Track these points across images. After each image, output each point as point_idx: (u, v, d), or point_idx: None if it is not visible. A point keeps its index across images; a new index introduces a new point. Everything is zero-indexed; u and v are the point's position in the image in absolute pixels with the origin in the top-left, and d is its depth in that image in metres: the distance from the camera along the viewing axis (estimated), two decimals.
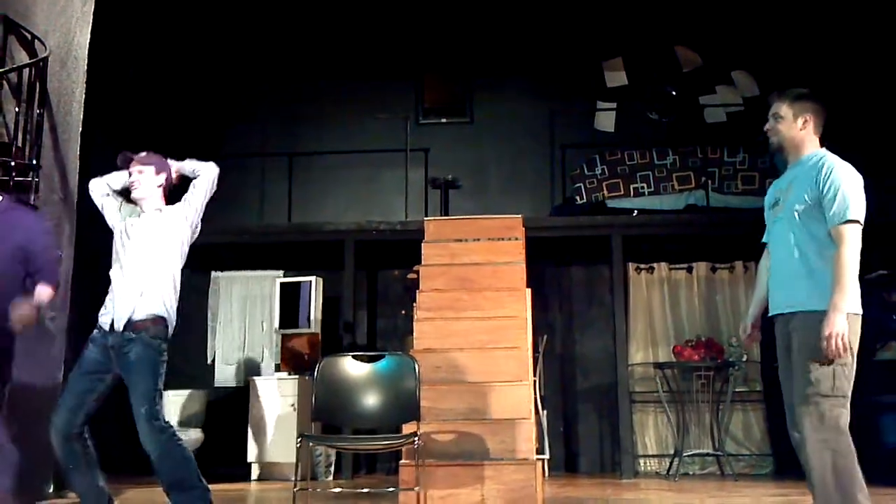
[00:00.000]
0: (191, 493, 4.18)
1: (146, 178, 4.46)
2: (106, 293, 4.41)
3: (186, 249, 4.51)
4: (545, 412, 7.90)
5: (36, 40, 6.84)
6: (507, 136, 9.90)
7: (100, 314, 4.34)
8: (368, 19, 9.89)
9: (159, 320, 4.22)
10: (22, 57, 6.84)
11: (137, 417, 4.06)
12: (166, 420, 4.17)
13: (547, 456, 7.69)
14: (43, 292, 4.26)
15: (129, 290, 4.24)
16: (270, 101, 10.01)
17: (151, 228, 4.39)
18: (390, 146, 9.43)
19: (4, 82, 6.77)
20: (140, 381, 4.11)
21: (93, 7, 6.94)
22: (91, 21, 6.92)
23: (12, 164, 6.42)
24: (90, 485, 4.33)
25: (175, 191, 4.72)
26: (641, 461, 8.73)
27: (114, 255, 4.41)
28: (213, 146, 9.82)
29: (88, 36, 6.85)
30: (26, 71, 6.67)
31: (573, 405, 9.12)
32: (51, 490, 6.42)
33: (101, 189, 4.55)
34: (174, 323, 4.34)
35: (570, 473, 8.70)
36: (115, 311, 4.24)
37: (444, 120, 10.22)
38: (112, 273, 4.37)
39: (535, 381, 6.97)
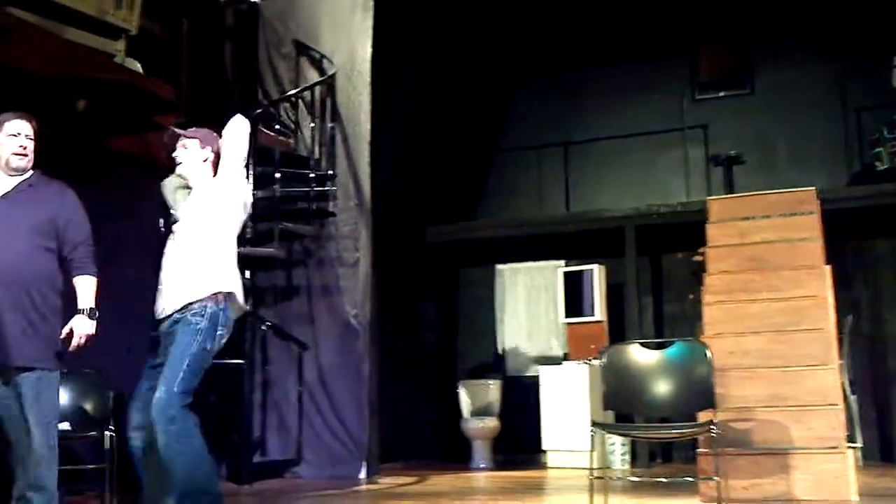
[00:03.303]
0: (197, 500, 3.67)
1: (190, 152, 4.12)
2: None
3: (237, 220, 4.06)
4: (854, 397, 7.33)
5: (324, 59, 7.36)
6: (793, 103, 9.28)
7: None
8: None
9: (207, 300, 3.82)
10: (312, 76, 7.41)
11: (154, 399, 3.66)
12: (185, 413, 3.70)
13: (859, 444, 7.12)
14: (88, 291, 3.93)
15: (175, 273, 3.92)
16: (542, 93, 10.08)
17: (196, 205, 4.04)
18: (666, 126, 9.18)
19: (300, 101, 7.35)
20: (168, 362, 3.74)
21: (371, 21, 7.35)
22: (371, 35, 7.33)
23: (312, 175, 6.96)
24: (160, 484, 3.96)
25: None
26: None
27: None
28: (489, 142, 10.08)
29: (370, 49, 7.26)
30: (318, 89, 7.20)
31: (885, 389, 8.39)
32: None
33: (165, 187, 4.24)
34: (225, 303, 3.88)
35: (886, 463, 8.01)
36: (162, 296, 3.93)
37: (722, 93, 9.77)
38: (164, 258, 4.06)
39: (840, 365, 6.48)
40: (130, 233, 6.33)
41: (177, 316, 3.82)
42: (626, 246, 8.47)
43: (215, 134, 4.19)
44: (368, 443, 6.97)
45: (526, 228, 9.18)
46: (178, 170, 4.12)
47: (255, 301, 6.95)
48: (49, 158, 4.69)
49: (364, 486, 6.59)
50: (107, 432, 5.03)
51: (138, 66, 6.14)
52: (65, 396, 5.08)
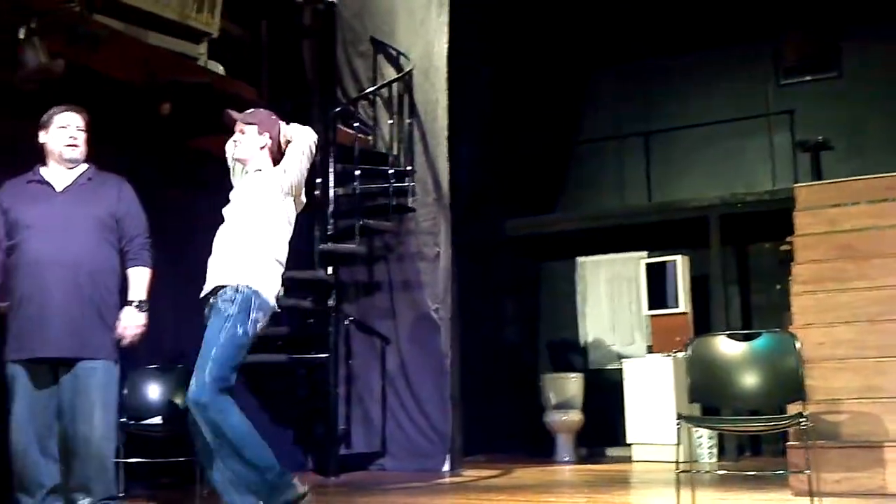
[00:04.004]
0: (266, 481, 3.62)
1: (247, 137, 4.04)
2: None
3: (285, 216, 3.96)
4: None
5: (400, 56, 7.41)
6: (885, 85, 8.95)
7: None
8: None
9: (243, 287, 3.73)
10: (390, 73, 7.46)
11: (188, 391, 3.63)
12: (218, 398, 3.62)
13: None
14: (140, 283, 3.99)
15: (220, 254, 3.87)
16: (621, 82, 9.95)
17: (247, 190, 3.98)
18: (750, 112, 8.96)
19: (378, 98, 7.42)
20: (201, 351, 3.67)
21: (447, 17, 7.37)
22: (447, 30, 7.35)
23: (391, 171, 7.02)
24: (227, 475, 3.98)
25: None
26: None
27: None
28: (569, 133, 10.00)
29: (446, 45, 7.29)
30: (395, 85, 7.26)
31: None
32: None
33: (228, 152, 4.21)
34: (265, 296, 3.80)
35: None
36: (208, 277, 3.87)
37: (808, 77, 9.48)
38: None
39: None
40: (214, 231, 6.48)
41: (212, 301, 3.80)
42: (710, 236, 8.31)
43: (274, 117, 4.13)
44: (451, 436, 7.00)
45: (607, 220, 9.09)
46: (236, 154, 4.08)
47: (338, 296, 7.05)
48: (135, 160, 4.84)
49: (448, 479, 6.62)
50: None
51: (220, 69, 6.28)
52: (156, 390, 5.22)
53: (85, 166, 4.05)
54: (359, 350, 7.34)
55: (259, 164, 4.00)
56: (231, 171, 4.18)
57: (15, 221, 3.84)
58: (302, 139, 4.01)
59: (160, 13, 5.72)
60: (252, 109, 4.16)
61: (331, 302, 6.91)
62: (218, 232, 3.92)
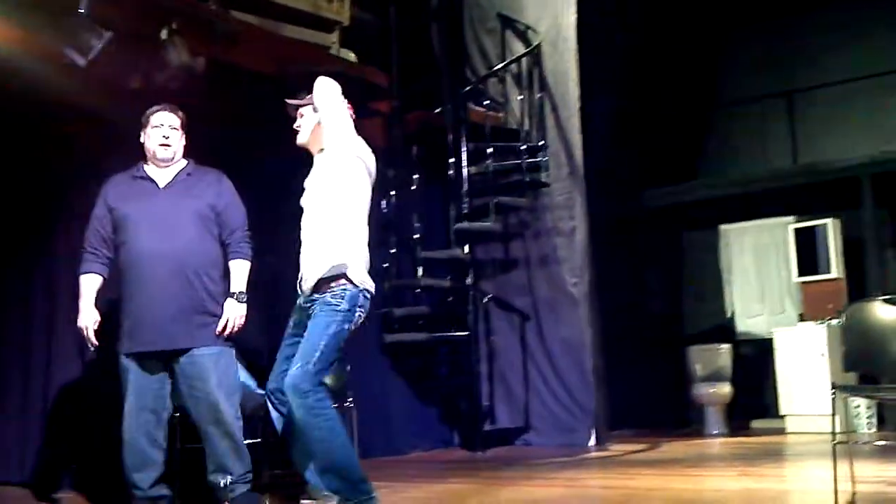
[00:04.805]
0: (344, 483, 3.58)
1: (305, 120, 3.94)
2: None
3: (361, 189, 3.83)
4: None
5: (528, 30, 7.36)
6: None
7: None
8: None
9: (340, 278, 3.68)
10: (518, 47, 7.42)
11: (289, 375, 3.61)
12: (318, 388, 3.58)
13: None
14: (240, 275, 4.05)
15: (308, 248, 3.81)
16: (760, 41, 9.54)
17: (316, 176, 3.88)
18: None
19: (507, 74, 7.40)
20: (306, 340, 3.64)
21: None
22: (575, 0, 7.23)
23: (523, 147, 7.00)
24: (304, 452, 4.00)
25: None
26: None
27: None
28: (707, 97, 9.69)
29: (574, 15, 7.16)
30: (524, 60, 7.22)
31: None
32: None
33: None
34: (363, 279, 3.74)
35: None
36: (302, 270, 3.83)
37: None
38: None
39: None
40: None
41: (314, 296, 3.74)
42: (862, 198, 7.91)
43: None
44: (596, 410, 6.96)
45: (751, 185, 8.78)
46: (298, 140, 3.97)
47: (476, 274, 7.10)
48: (274, 149, 5.00)
49: (594, 454, 6.59)
50: (346, 403, 5.26)
51: (352, 56, 6.41)
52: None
53: (184, 162, 4.15)
54: (498, 327, 7.38)
55: (321, 143, 3.89)
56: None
57: (121, 219, 3.97)
58: (322, 93, 3.84)
59: (293, 5, 5.89)
60: (308, 95, 4.00)
61: (468, 280, 6.97)
62: (302, 223, 3.87)
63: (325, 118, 3.82)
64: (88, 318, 3.91)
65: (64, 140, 5.03)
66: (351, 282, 3.69)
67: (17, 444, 4.77)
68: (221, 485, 3.91)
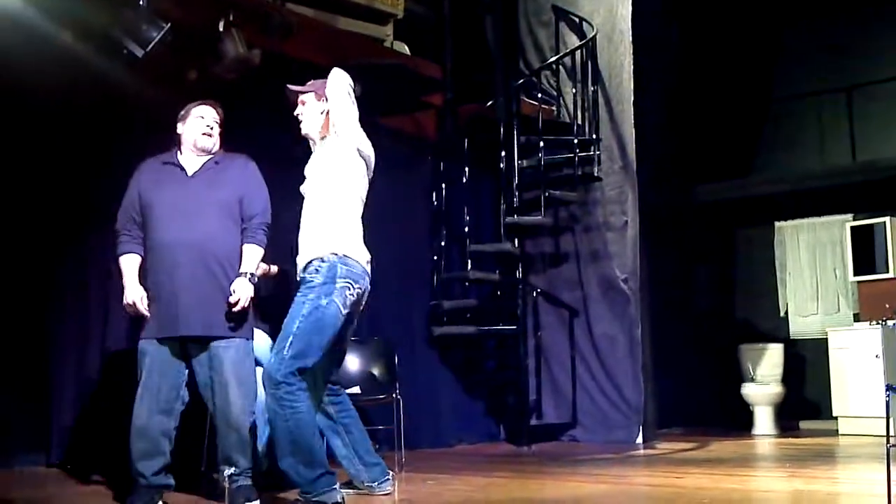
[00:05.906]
0: (301, 477, 3.62)
1: (308, 107, 3.99)
2: None
3: (357, 178, 3.92)
4: None
5: (583, 22, 7.30)
6: None
7: None
8: None
9: (328, 256, 3.72)
10: (572, 40, 7.38)
11: (265, 363, 3.59)
12: (292, 380, 3.59)
13: None
14: (252, 259, 4.00)
15: (303, 232, 3.87)
16: (818, 35, 9.35)
17: (314, 162, 3.95)
18: None
19: (561, 67, 7.36)
20: (284, 326, 3.65)
21: None
22: None
23: (575, 140, 6.96)
24: (352, 453, 4.16)
25: None
26: None
27: None
28: (763, 91, 9.53)
29: (630, 7, 7.09)
30: (578, 53, 7.16)
31: None
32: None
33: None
34: (345, 250, 3.76)
35: None
36: (297, 257, 3.89)
37: None
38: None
39: None
40: (403, 206, 6.67)
41: (303, 277, 3.78)
42: None
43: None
44: (644, 408, 6.90)
45: (807, 182, 8.63)
46: (304, 130, 4.03)
47: (525, 268, 7.08)
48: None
49: (641, 451, 6.55)
50: (395, 395, 5.30)
51: (406, 49, 6.42)
52: (355, 362, 5.46)
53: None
54: (547, 321, 7.36)
55: (324, 132, 3.96)
56: (312, 147, 4.11)
57: (148, 204, 3.98)
58: (335, 84, 3.89)
59: None
60: (312, 81, 4.06)
61: (518, 274, 6.96)
62: (303, 210, 3.92)
63: (335, 109, 3.87)
64: (135, 294, 3.90)
65: (123, 129, 5.12)
66: (330, 264, 3.68)
67: (61, 428, 4.94)
68: (224, 475, 3.88)
